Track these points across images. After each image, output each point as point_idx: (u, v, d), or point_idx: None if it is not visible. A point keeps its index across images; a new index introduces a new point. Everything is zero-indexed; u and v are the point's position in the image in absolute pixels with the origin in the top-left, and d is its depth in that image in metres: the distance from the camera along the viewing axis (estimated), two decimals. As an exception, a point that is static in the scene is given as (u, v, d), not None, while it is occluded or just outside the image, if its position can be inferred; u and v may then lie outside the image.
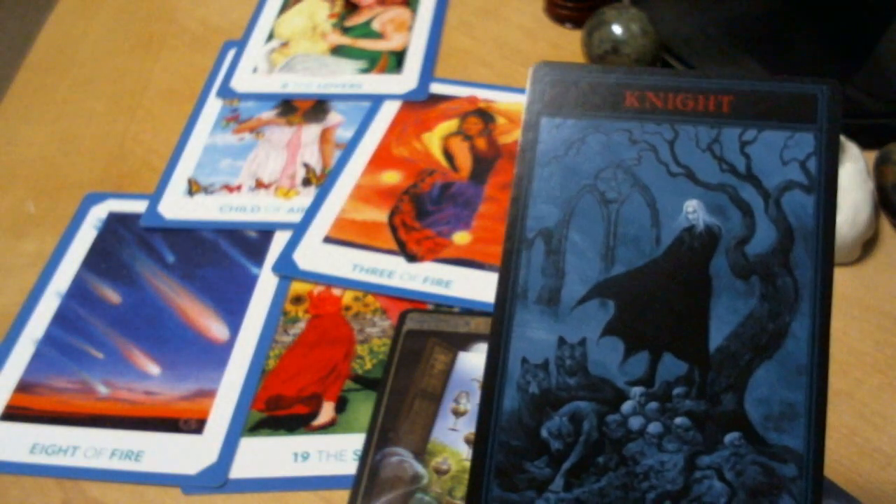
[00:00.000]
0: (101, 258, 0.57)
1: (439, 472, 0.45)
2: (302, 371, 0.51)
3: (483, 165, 0.62)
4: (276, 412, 0.49)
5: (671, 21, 0.67)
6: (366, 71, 0.69)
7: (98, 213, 0.60)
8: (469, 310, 0.52)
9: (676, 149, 0.30)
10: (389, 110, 0.66)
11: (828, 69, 0.61)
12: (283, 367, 0.51)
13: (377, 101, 0.67)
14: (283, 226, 0.58)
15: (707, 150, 0.30)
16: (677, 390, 0.29)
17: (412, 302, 0.53)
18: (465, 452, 0.46)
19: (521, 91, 0.32)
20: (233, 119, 0.66)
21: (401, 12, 0.75)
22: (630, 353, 0.29)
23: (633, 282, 0.29)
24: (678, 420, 0.28)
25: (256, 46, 0.72)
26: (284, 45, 0.72)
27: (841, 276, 0.52)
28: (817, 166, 0.30)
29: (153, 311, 0.54)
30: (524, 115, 0.31)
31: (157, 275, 0.56)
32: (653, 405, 0.29)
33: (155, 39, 0.75)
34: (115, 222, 0.59)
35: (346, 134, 0.64)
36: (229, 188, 0.61)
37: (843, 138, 0.53)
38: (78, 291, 0.55)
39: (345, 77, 0.69)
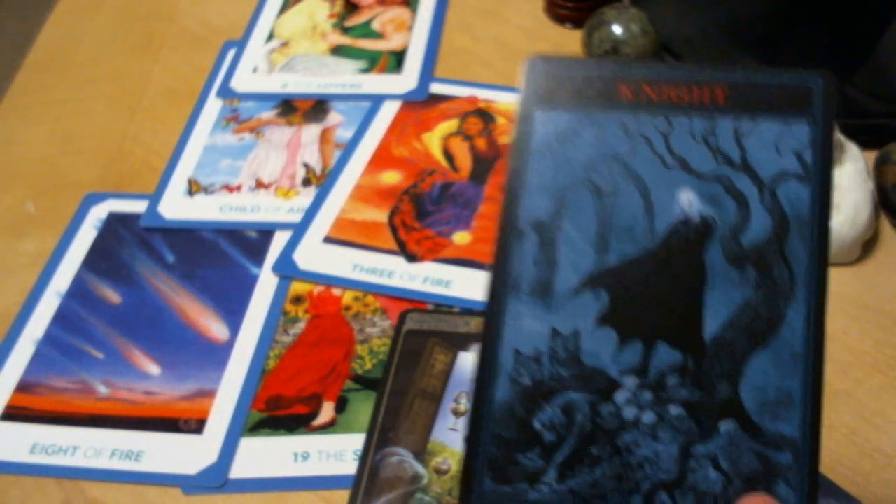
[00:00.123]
0: (101, 258, 0.57)
1: (439, 472, 0.45)
2: (302, 371, 0.51)
3: (483, 165, 0.62)
4: (276, 412, 0.49)
5: (671, 21, 0.67)
6: (366, 71, 0.69)
7: (98, 213, 0.60)
8: (469, 310, 0.52)
9: (671, 140, 0.30)
10: (389, 110, 0.66)
11: (828, 69, 0.61)
12: (283, 367, 0.51)
13: (377, 101, 0.67)
14: (283, 226, 0.58)
15: (702, 141, 0.30)
16: (672, 380, 0.29)
17: (412, 302, 0.53)
18: (465, 452, 0.46)
19: (521, 90, 0.32)
20: (233, 119, 0.66)
21: (401, 12, 0.75)
22: (624, 342, 0.29)
23: (627, 272, 0.29)
24: (672, 409, 0.28)
25: (256, 46, 0.72)
26: (284, 45, 0.72)
27: (841, 276, 0.52)
28: (813, 156, 0.30)
29: (153, 311, 0.54)
30: (518, 108, 0.31)
31: (157, 275, 0.56)
32: (647, 395, 0.29)
33: (155, 39, 0.75)
34: (115, 222, 0.59)
35: (346, 134, 0.64)
36: (229, 188, 0.61)
37: (843, 138, 0.53)
38: (78, 291, 0.55)
39: (345, 77, 0.69)
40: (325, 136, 0.65)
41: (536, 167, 0.30)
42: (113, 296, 0.55)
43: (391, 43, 0.72)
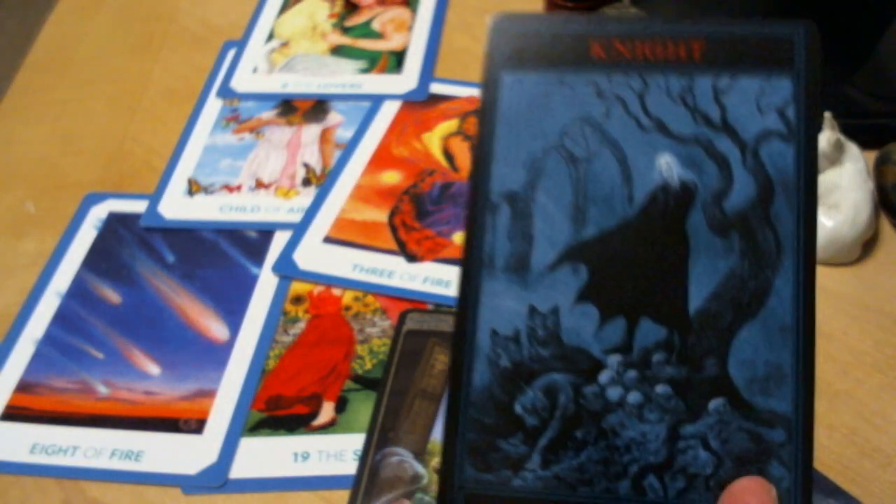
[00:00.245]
0: (101, 258, 0.57)
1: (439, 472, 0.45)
2: (302, 371, 0.51)
3: (483, 165, 0.62)
4: (276, 412, 0.49)
5: (671, 21, 0.67)
6: (366, 71, 0.69)
7: (98, 213, 0.60)
8: (469, 310, 0.52)
9: (646, 100, 0.29)
10: (389, 110, 0.66)
11: (828, 69, 0.61)
12: (283, 367, 0.51)
13: (377, 101, 0.67)
14: (283, 226, 0.58)
15: (679, 100, 0.28)
16: (657, 357, 0.27)
17: (412, 302, 0.53)
18: (465, 452, 0.46)
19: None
20: (233, 119, 0.66)
21: (401, 12, 0.75)
22: (605, 319, 0.28)
23: (606, 244, 0.28)
24: (659, 388, 0.27)
25: (256, 46, 0.72)
26: (284, 45, 0.72)
27: (841, 276, 0.52)
28: (796, 113, 0.28)
29: (153, 311, 0.54)
30: (483, 71, 0.29)
31: (157, 275, 0.56)
32: (631, 374, 0.27)
33: (155, 39, 0.75)
34: (115, 222, 0.59)
35: (346, 134, 0.64)
36: (229, 188, 0.61)
37: (843, 138, 0.53)
38: (78, 291, 0.55)
39: (345, 77, 0.69)
40: (325, 136, 0.65)
41: (506, 135, 0.29)
42: (113, 296, 0.55)
43: (391, 43, 0.72)
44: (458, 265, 0.29)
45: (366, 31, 0.74)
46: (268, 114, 0.66)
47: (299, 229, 0.57)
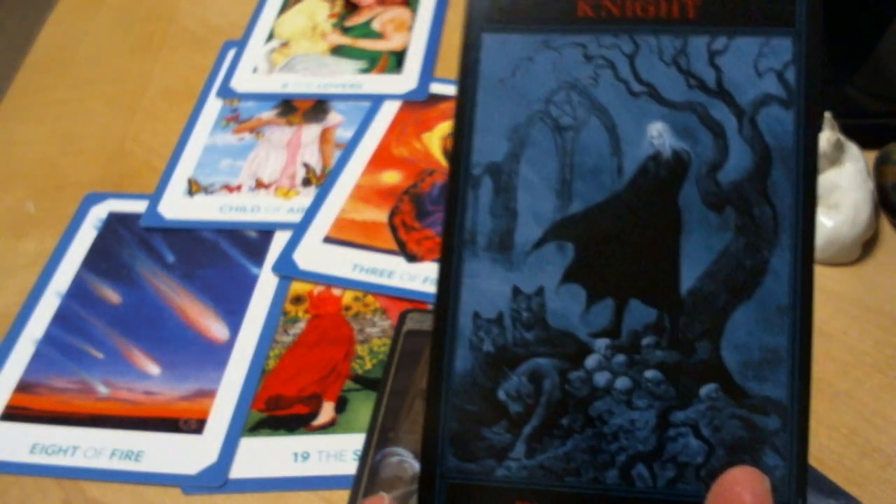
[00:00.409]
0: (101, 258, 0.57)
1: (439, 472, 0.45)
2: (302, 371, 0.51)
3: (483, 165, 0.62)
4: (276, 412, 0.49)
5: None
6: (366, 71, 0.69)
7: (98, 213, 0.60)
8: (469, 310, 0.52)
9: (637, 63, 0.27)
10: (389, 110, 0.66)
11: (828, 69, 0.61)
12: (283, 367, 0.51)
13: (377, 101, 0.67)
14: (283, 226, 0.58)
15: (672, 63, 0.26)
16: (646, 340, 0.26)
17: (412, 302, 0.53)
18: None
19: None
20: (233, 119, 0.66)
21: (401, 12, 0.75)
22: (593, 301, 0.26)
23: (594, 220, 0.26)
24: (648, 373, 0.26)
25: (256, 46, 0.72)
26: (284, 45, 0.72)
27: (841, 276, 0.52)
28: (796, 75, 0.26)
29: (153, 311, 0.54)
30: (463, 32, 0.27)
31: (157, 275, 0.56)
32: (620, 358, 0.26)
33: (155, 39, 0.75)
34: (115, 222, 0.59)
35: (346, 134, 0.64)
36: (229, 188, 0.61)
37: (843, 138, 0.53)
38: (78, 291, 0.55)
39: (345, 77, 0.69)
40: (325, 136, 0.65)
41: (487, 101, 0.27)
42: (113, 296, 0.55)
43: (391, 43, 0.72)
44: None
45: (366, 31, 0.74)
46: (268, 114, 0.66)
47: (299, 229, 0.57)
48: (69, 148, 0.65)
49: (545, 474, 0.26)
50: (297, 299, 0.54)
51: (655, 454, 0.25)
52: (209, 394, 0.50)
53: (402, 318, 0.52)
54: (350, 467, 0.46)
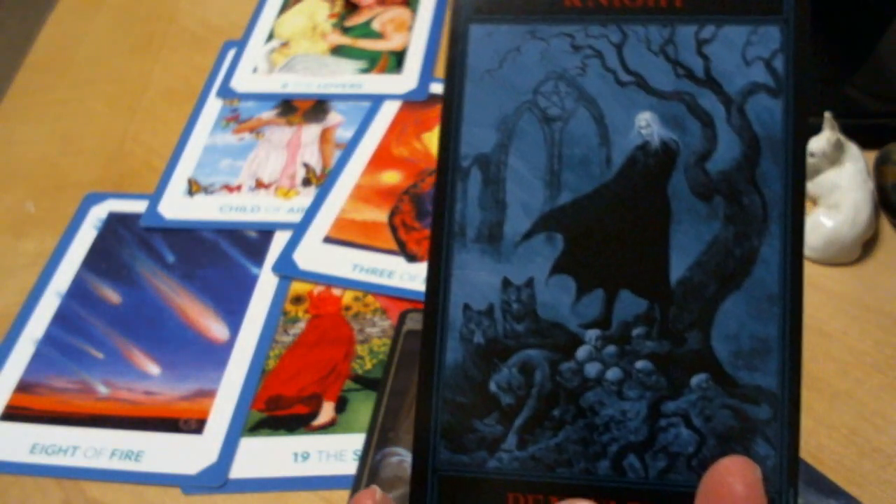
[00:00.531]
0: (101, 258, 0.57)
1: (439, 472, 0.45)
2: (302, 371, 0.51)
3: (483, 165, 0.62)
4: (276, 412, 0.49)
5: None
6: (366, 71, 0.69)
7: (98, 213, 0.60)
8: (469, 310, 0.52)
9: (625, 53, 0.27)
10: (389, 110, 0.66)
11: (828, 69, 0.61)
12: (283, 367, 0.51)
13: (377, 101, 0.67)
14: (283, 226, 0.58)
15: (660, 52, 0.26)
16: (637, 331, 0.26)
17: (412, 302, 0.53)
18: (465, 452, 0.46)
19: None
20: (233, 119, 0.66)
21: (401, 12, 0.75)
22: (583, 292, 0.26)
23: (583, 210, 0.26)
24: (639, 364, 0.26)
25: (256, 46, 0.72)
26: (284, 45, 0.72)
27: (841, 276, 0.52)
28: (784, 64, 0.26)
29: (153, 311, 0.54)
30: (450, 23, 0.27)
31: (157, 275, 0.56)
32: (610, 349, 0.26)
33: (155, 39, 0.75)
34: (115, 222, 0.59)
35: (346, 134, 0.64)
36: (229, 188, 0.61)
37: (843, 138, 0.53)
38: (78, 291, 0.55)
39: (345, 77, 0.69)
40: (325, 136, 0.65)
41: (475, 93, 0.27)
42: (113, 296, 0.55)
43: (391, 43, 0.72)
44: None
45: (366, 31, 0.74)
46: (268, 114, 0.66)
47: (299, 229, 0.57)
48: (69, 148, 0.65)
49: (537, 465, 0.26)
50: (297, 299, 0.54)
51: (647, 444, 0.25)
52: (209, 394, 0.50)
53: (402, 318, 0.52)
54: (350, 467, 0.46)
